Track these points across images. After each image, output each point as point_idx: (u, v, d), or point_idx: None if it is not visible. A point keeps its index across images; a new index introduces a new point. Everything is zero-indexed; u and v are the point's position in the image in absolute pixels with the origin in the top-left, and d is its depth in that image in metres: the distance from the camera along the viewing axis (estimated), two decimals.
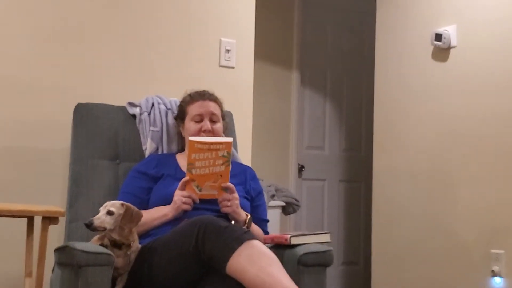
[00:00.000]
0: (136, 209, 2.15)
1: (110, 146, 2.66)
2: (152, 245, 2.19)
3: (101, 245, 2.08)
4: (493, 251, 3.49)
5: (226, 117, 2.75)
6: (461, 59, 3.77)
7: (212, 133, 2.55)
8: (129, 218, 2.10)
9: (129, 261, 2.12)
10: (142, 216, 2.17)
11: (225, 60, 3.29)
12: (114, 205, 2.10)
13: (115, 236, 2.09)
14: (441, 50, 3.85)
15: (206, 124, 2.56)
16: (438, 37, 3.80)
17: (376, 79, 4.34)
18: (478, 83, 3.64)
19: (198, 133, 2.54)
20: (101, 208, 2.10)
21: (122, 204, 2.11)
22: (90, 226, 2.05)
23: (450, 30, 3.79)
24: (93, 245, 2.06)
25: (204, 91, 2.66)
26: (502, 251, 3.45)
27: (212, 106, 2.61)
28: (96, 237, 2.15)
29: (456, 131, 3.76)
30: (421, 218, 3.91)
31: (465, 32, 3.75)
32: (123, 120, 2.72)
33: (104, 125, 2.67)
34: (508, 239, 3.43)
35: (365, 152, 5.25)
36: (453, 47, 3.80)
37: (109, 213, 2.08)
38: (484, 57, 3.62)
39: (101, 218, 2.07)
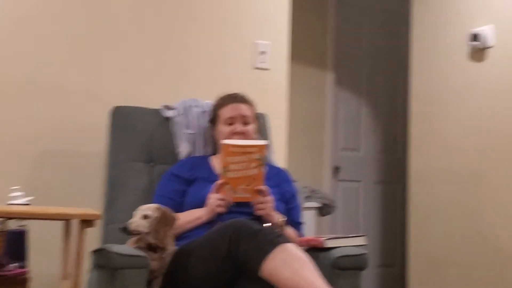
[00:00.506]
0: (171, 212, 2.17)
1: (145, 149, 2.68)
2: (186, 248, 2.19)
3: (137, 247, 2.09)
4: None
5: (260, 119, 2.75)
6: (498, 59, 3.71)
7: (244, 135, 2.55)
8: (164, 222, 2.11)
9: (164, 264, 2.13)
10: (177, 219, 2.18)
11: (260, 62, 3.29)
12: (149, 208, 2.12)
13: (151, 239, 2.10)
14: (478, 50, 3.80)
15: (238, 126, 2.56)
16: (475, 37, 3.76)
17: (412, 79, 4.30)
18: None
19: (230, 135, 2.54)
20: (136, 212, 2.12)
21: (158, 208, 2.13)
22: (125, 230, 2.07)
23: (487, 30, 3.75)
24: (128, 247, 2.08)
25: (235, 93, 2.67)
26: None
27: (244, 108, 2.61)
28: (132, 240, 2.17)
29: (494, 132, 3.70)
30: (459, 220, 3.86)
31: (502, 32, 3.69)
32: (158, 123, 2.74)
33: (140, 128, 2.69)
34: None
35: (401, 154, 5.20)
36: (490, 47, 3.75)
37: (145, 217, 2.09)
38: None
39: (136, 222, 2.08)
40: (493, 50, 3.74)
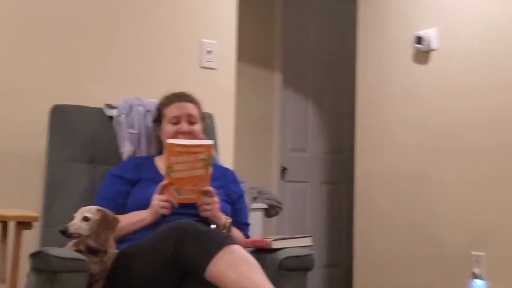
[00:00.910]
0: (113, 214, 2.11)
1: (87, 149, 2.61)
2: (129, 250, 2.14)
3: (77, 250, 2.03)
4: (473, 253, 3.49)
5: (206, 118, 2.71)
6: (441, 62, 3.77)
7: (190, 134, 2.51)
8: (105, 224, 2.06)
9: (105, 267, 2.07)
10: (119, 222, 2.13)
11: (206, 61, 3.25)
12: (90, 211, 2.06)
13: (91, 242, 2.04)
14: (422, 52, 3.86)
15: (184, 126, 2.52)
16: (419, 39, 3.81)
17: (358, 80, 4.34)
18: (458, 86, 3.65)
19: (175, 135, 2.49)
20: (76, 214, 2.06)
21: (98, 210, 2.07)
22: (65, 233, 2.01)
23: (430, 33, 3.80)
24: (68, 251, 2.02)
25: (181, 92, 2.62)
26: (483, 253, 3.45)
27: (190, 108, 2.57)
28: (71, 243, 2.10)
29: (437, 134, 3.76)
30: (403, 221, 3.91)
31: (445, 35, 3.75)
32: (100, 123, 2.67)
33: (81, 127, 2.62)
34: (488, 241, 3.43)
35: (347, 154, 5.24)
36: (434, 50, 3.80)
37: (85, 219, 2.03)
38: (464, 60, 3.64)
39: (76, 224, 2.02)
40: (436, 53, 3.80)
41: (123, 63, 3.02)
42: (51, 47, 2.86)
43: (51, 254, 1.94)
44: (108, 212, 2.09)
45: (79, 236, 2.02)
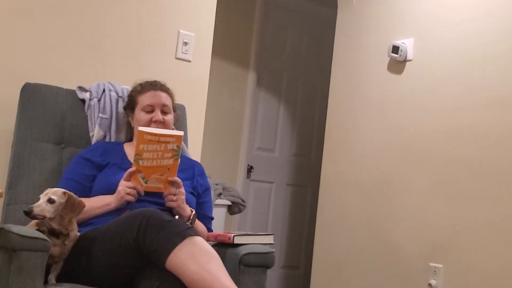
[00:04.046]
0: (79, 198, 2.09)
1: (56, 130, 2.58)
2: (91, 235, 2.13)
3: (38, 230, 2.01)
4: (431, 264, 3.54)
5: (178, 109, 2.71)
6: (415, 73, 3.81)
7: (163, 124, 2.50)
8: (70, 208, 2.04)
9: (66, 250, 2.06)
10: (84, 206, 2.11)
11: (182, 52, 3.24)
12: (55, 193, 2.03)
13: (55, 225, 2.02)
14: (397, 62, 3.89)
15: (158, 115, 2.51)
16: (395, 49, 3.83)
17: (331, 86, 4.36)
18: (430, 98, 3.69)
19: (149, 123, 2.49)
20: (41, 195, 2.03)
21: (64, 193, 2.05)
22: (29, 213, 1.98)
23: (407, 43, 3.83)
24: (29, 229, 2.00)
25: (155, 81, 2.62)
26: (440, 265, 3.50)
27: (164, 97, 2.57)
28: (33, 222, 2.08)
29: (404, 145, 3.80)
30: (364, 227, 3.95)
31: (421, 46, 3.79)
32: (71, 104, 2.65)
33: (51, 107, 2.59)
34: (447, 254, 3.48)
35: (315, 158, 5.28)
36: (409, 60, 3.84)
37: (50, 201, 2.01)
38: (438, 72, 3.67)
39: (41, 206, 2.00)
40: (411, 63, 3.84)
41: (99, 47, 2.99)
42: (26, 23, 2.80)
43: (12, 231, 1.91)
44: (74, 196, 2.07)
45: (43, 217, 2.00)
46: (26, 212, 1.99)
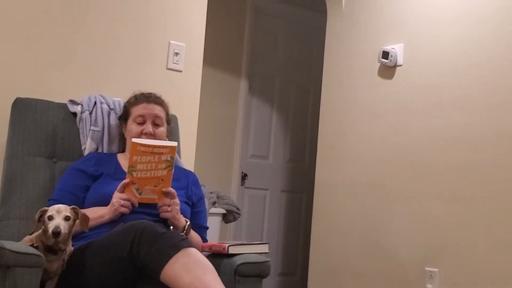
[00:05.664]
0: (85, 213, 2.08)
1: (48, 144, 2.58)
2: (85, 248, 2.12)
3: (32, 245, 1.99)
4: (427, 269, 3.54)
5: (172, 121, 2.71)
6: (405, 78, 3.83)
7: (154, 136, 2.50)
8: (85, 222, 2.03)
9: (61, 265, 2.04)
10: (89, 219, 2.09)
11: (173, 63, 3.24)
12: (66, 210, 2.01)
13: (61, 241, 2.00)
14: (388, 68, 3.90)
15: (148, 127, 2.52)
16: (385, 54, 3.85)
17: (322, 92, 4.37)
18: (421, 103, 3.70)
19: (139, 135, 2.49)
20: (53, 213, 2.00)
21: (73, 208, 2.03)
22: (58, 234, 1.95)
23: (397, 49, 3.85)
24: (23, 245, 1.98)
25: (150, 93, 2.62)
26: (436, 269, 3.50)
27: (157, 109, 2.57)
28: (27, 238, 2.07)
29: (397, 149, 3.81)
30: (359, 233, 3.95)
31: (411, 51, 3.81)
32: (63, 118, 2.64)
33: (43, 121, 2.59)
34: (443, 258, 3.49)
35: (309, 164, 5.28)
36: (399, 65, 3.85)
37: (66, 218, 1.99)
38: (428, 77, 3.69)
39: (62, 223, 1.97)
40: (401, 68, 3.85)
41: (89, 59, 2.99)
42: (18, 38, 2.81)
43: (6, 247, 1.90)
44: (82, 211, 2.07)
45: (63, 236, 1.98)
46: (55, 233, 1.94)
